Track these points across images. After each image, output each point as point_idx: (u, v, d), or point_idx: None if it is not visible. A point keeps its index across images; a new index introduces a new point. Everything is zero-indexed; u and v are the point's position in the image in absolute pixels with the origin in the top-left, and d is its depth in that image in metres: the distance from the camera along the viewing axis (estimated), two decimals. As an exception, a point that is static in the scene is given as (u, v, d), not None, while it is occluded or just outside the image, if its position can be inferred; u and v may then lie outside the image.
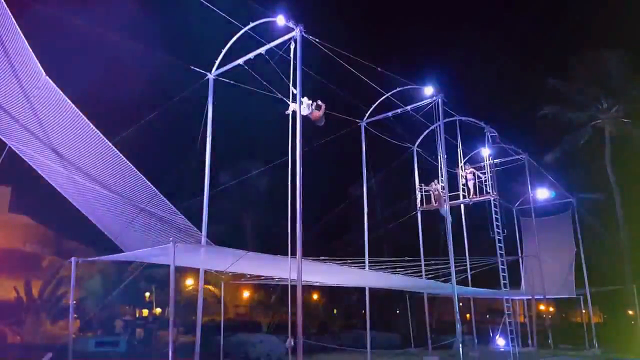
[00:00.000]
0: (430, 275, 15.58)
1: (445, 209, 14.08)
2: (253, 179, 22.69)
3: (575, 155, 26.75)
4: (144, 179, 8.18)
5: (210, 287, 23.28)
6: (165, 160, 25.29)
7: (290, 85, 9.59)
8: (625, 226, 25.00)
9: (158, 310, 25.68)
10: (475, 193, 16.80)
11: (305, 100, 9.96)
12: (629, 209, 25.39)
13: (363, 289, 15.83)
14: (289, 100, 9.99)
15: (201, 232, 10.03)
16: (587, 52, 25.85)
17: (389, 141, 16.45)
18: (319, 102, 10.26)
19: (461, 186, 16.80)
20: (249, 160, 25.37)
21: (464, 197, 16.77)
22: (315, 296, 26.77)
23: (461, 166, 16.86)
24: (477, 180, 16.77)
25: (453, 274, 12.86)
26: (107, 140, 7.91)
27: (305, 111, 9.87)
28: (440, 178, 16.37)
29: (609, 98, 25.91)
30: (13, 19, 6.81)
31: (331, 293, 24.95)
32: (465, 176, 16.93)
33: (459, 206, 18.38)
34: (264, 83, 10.83)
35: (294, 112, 9.50)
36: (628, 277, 24.22)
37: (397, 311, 25.39)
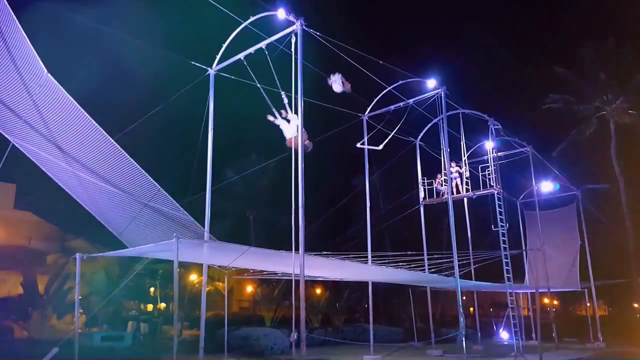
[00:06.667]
0: (433, 269, 15.56)
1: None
2: (256, 174, 22.70)
3: (580, 148, 26.58)
4: (146, 174, 8.21)
5: (214, 282, 23.37)
6: (168, 156, 25.35)
7: (293, 79, 9.54)
8: (630, 219, 24.85)
9: (162, 305, 25.81)
10: (459, 191, 16.68)
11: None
12: (634, 201, 25.24)
13: (366, 283, 15.85)
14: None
15: (204, 227, 10.06)
16: (591, 43, 25.63)
17: (391, 135, 16.37)
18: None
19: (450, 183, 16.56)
20: (251, 155, 25.40)
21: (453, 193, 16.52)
22: (318, 290, 26.84)
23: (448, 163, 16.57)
24: (462, 177, 16.59)
25: (456, 267, 12.84)
26: (109, 137, 7.94)
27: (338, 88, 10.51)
28: (443, 172, 16.30)
29: (614, 89, 25.69)
30: (14, 17, 6.82)
31: (334, 287, 24.99)
32: (453, 172, 16.68)
33: (462, 200, 18.31)
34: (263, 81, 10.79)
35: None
36: (633, 270, 24.11)
37: (400, 305, 25.42)
